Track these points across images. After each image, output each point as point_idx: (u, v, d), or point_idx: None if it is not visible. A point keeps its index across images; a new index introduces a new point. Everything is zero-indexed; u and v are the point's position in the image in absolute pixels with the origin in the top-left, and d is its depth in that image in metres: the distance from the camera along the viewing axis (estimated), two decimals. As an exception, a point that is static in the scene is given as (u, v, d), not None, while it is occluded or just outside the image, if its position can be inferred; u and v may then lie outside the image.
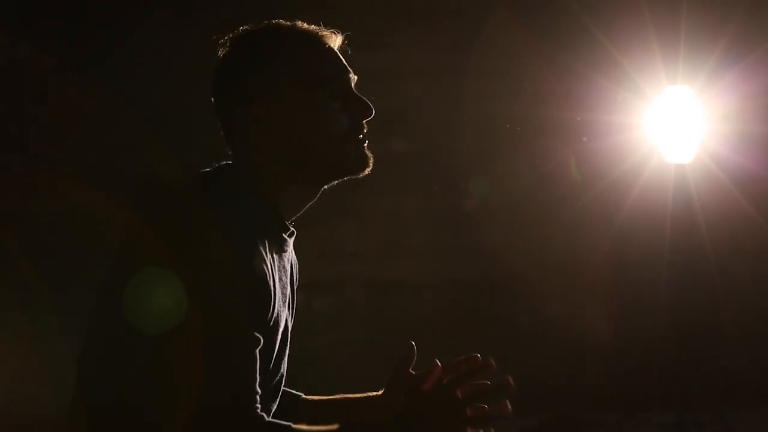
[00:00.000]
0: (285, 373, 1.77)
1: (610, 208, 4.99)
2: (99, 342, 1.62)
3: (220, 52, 1.74)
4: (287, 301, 1.73)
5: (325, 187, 1.74)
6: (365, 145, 1.72)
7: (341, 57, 1.75)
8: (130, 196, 4.34)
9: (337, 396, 1.91)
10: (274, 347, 1.67)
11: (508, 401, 1.69)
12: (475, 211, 5.05)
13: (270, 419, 1.57)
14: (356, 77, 1.75)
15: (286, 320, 1.72)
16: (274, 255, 1.67)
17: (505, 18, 4.89)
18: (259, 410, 1.55)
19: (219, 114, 1.74)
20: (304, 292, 1.92)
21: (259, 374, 1.58)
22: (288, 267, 1.74)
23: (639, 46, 4.88)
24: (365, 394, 1.89)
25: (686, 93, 4.81)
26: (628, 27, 4.89)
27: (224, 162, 1.73)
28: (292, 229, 1.73)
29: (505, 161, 5.04)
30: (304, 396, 1.92)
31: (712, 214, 4.96)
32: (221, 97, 1.73)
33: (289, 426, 1.58)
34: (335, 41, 1.75)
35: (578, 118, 4.95)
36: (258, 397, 1.56)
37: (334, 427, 1.60)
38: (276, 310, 1.63)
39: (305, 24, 1.75)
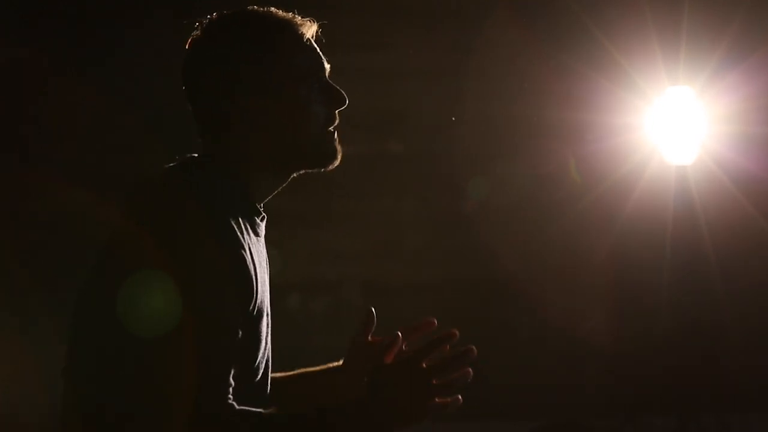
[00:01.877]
0: (270, 359, 1.76)
1: (611, 211, 4.98)
2: (87, 349, 1.61)
3: (194, 37, 1.73)
4: (267, 285, 1.74)
5: (295, 175, 1.76)
6: (335, 138, 1.75)
7: (317, 48, 1.76)
8: (117, 197, 4.35)
9: (299, 371, 1.90)
10: (262, 333, 1.68)
11: (470, 369, 1.70)
12: (474, 213, 5.05)
13: (240, 407, 1.57)
14: (329, 66, 1.76)
15: (268, 305, 1.72)
16: (251, 238, 1.68)
17: (504, 18, 4.89)
18: (230, 400, 1.56)
19: (193, 102, 1.74)
20: (301, 293, 1.93)
21: (249, 365, 1.60)
22: (263, 251, 1.76)
23: (639, 46, 4.87)
24: (326, 366, 1.89)
25: (687, 93, 4.80)
26: (628, 26, 4.88)
27: (188, 155, 1.73)
28: (263, 213, 1.75)
29: (505, 162, 5.03)
30: None
31: (714, 217, 4.94)
32: (198, 85, 1.72)
33: (260, 413, 1.59)
34: (311, 30, 1.75)
35: (578, 119, 4.93)
36: (230, 388, 1.56)
37: (305, 412, 1.61)
38: (260, 295, 1.64)
39: (281, 12, 1.75)
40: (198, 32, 1.74)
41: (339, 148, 1.74)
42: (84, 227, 4.58)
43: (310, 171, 1.75)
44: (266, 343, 1.71)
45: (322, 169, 1.75)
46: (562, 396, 5.03)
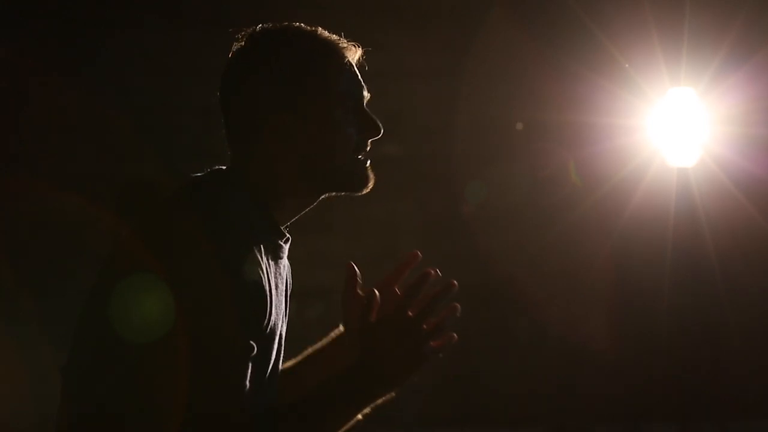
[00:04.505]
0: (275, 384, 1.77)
1: (611, 214, 4.98)
2: (84, 351, 1.61)
3: (236, 48, 1.74)
4: (283, 308, 1.74)
5: (323, 197, 1.77)
6: (368, 163, 1.76)
7: (359, 73, 1.78)
8: (117, 201, 4.37)
9: (306, 353, 1.90)
10: (271, 356, 1.68)
11: (456, 303, 1.73)
12: (472, 217, 5.04)
13: (251, 418, 1.58)
14: (369, 95, 1.78)
15: (281, 328, 1.73)
16: (270, 261, 1.68)
17: (502, 18, 4.90)
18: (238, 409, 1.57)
19: (230, 114, 1.74)
20: (295, 300, 1.92)
21: (254, 384, 1.60)
22: (284, 274, 1.76)
23: (641, 47, 4.87)
24: (330, 336, 1.89)
25: (689, 95, 4.79)
26: (629, 26, 4.88)
27: (218, 167, 1.74)
28: (287, 235, 1.75)
29: (503, 165, 5.04)
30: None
31: (716, 220, 4.94)
32: (236, 97, 1.72)
33: (274, 412, 1.63)
34: (355, 55, 1.77)
35: (578, 121, 4.95)
36: (244, 406, 1.57)
37: (305, 400, 1.64)
38: (273, 318, 1.65)
39: (326, 32, 1.76)
40: (242, 43, 1.74)
41: (371, 175, 1.76)
42: (72, 230, 4.58)
43: (338, 195, 1.77)
44: (273, 369, 1.71)
45: (351, 194, 1.76)
46: (561, 402, 5.03)
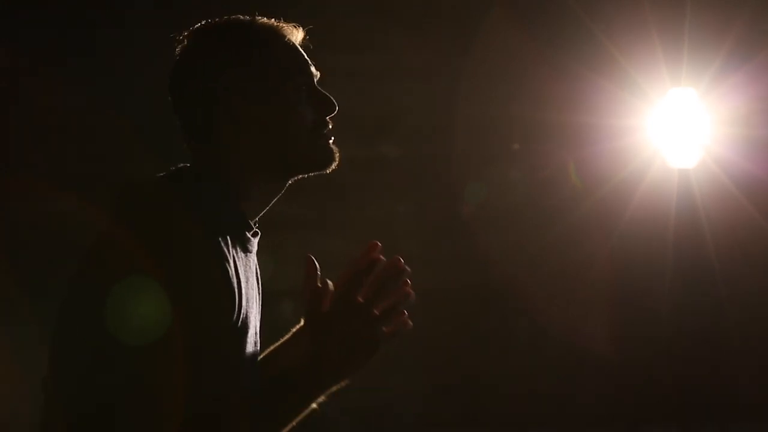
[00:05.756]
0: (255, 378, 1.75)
1: (611, 215, 4.98)
2: (71, 357, 1.59)
3: (180, 48, 1.75)
4: (255, 302, 1.73)
5: (290, 182, 1.76)
6: (331, 140, 1.74)
7: (303, 52, 1.77)
8: (102, 201, 4.37)
9: (270, 349, 1.87)
10: (244, 349, 1.67)
11: (408, 283, 1.70)
12: (471, 218, 5.04)
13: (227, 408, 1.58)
14: (318, 73, 1.77)
15: (255, 321, 1.72)
16: (239, 254, 1.68)
17: (501, 17, 4.90)
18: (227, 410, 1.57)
19: (181, 112, 1.74)
20: (293, 300, 1.90)
21: (228, 377, 1.60)
22: (253, 267, 1.75)
23: (641, 46, 4.87)
24: (290, 332, 1.86)
25: (690, 95, 4.82)
26: (629, 26, 4.88)
27: (182, 164, 1.74)
28: (256, 229, 1.74)
29: (502, 166, 5.04)
30: None
31: (718, 222, 4.94)
32: (185, 94, 1.73)
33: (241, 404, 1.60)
34: (297, 36, 1.77)
35: (578, 122, 4.94)
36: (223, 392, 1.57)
37: (263, 390, 1.65)
38: (243, 311, 1.64)
39: (265, 18, 1.77)
40: (183, 41, 1.76)
41: (335, 150, 1.74)
42: (71, 231, 4.58)
43: (304, 175, 1.76)
44: (250, 361, 1.70)
45: (317, 173, 1.75)
46: (560, 405, 5.04)
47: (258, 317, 1.75)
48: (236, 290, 1.60)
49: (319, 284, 1.76)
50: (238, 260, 1.66)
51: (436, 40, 5.05)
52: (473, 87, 4.96)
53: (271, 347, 1.88)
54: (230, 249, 1.63)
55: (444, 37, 5.05)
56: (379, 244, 1.76)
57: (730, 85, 4.83)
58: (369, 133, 5.04)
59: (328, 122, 1.74)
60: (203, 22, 1.77)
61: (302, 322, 1.83)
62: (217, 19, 1.77)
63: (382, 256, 1.69)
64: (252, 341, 1.69)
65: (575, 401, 5.05)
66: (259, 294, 1.77)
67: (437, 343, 4.79)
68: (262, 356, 1.85)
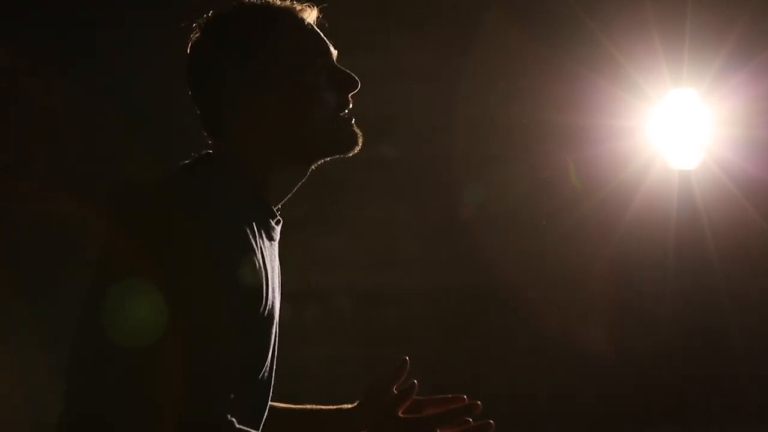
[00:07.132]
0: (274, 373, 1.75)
1: (611, 217, 4.96)
2: (81, 354, 1.60)
3: (195, 37, 1.73)
4: (278, 291, 1.72)
5: (313, 167, 1.74)
6: (353, 122, 1.73)
7: (320, 31, 1.75)
8: (107, 200, 4.38)
9: (306, 406, 1.88)
10: (271, 339, 1.67)
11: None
12: (470, 219, 5.02)
13: (239, 426, 1.55)
14: (336, 51, 1.75)
15: (278, 314, 1.71)
16: (264, 242, 1.67)
17: (501, 18, 4.89)
18: (229, 417, 1.54)
19: (200, 101, 1.73)
20: (291, 302, 1.88)
21: (256, 371, 1.60)
22: (276, 256, 1.74)
23: (641, 46, 4.85)
24: (336, 407, 1.88)
25: (691, 96, 4.80)
26: (630, 26, 4.87)
27: (204, 152, 1.72)
28: (279, 217, 1.73)
29: (502, 167, 5.02)
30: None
31: (718, 223, 4.92)
32: (204, 83, 1.71)
33: None
34: (311, 15, 1.75)
35: (578, 122, 4.94)
36: (229, 404, 1.55)
37: None
38: (270, 300, 1.63)
39: (277, 1, 1.74)
40: (196, 33, 1.73)
41: (358, 132, 1.72)
42: (70, 232, 4.59)
43: (327, 159, 1.73)
44: (273, 353, 1.70)
45: (341, 155, 1.73)
46: (561, 407, 5.02)
47: (279, 306, 1.74)
48: (263, 280, 1.60)
49: (393, 388, 1.80)
50: (264, 249, 1.65)
51: (437, 40, 5.05)
52: (473, 87, 4.96)
53: (301, 406, 1.89)
54: (257, 239, 1.62)
55: (444, 38, 5.04)
56: (466, 398, 1.82)
57: (731, 86, 4.82)
58: (369, 134, 5.05)
59: (349, 101, 1.72)
60: (217, 10, 1.75)
61: (359, 403, 1.85)
62: (230, 6, 1.75)
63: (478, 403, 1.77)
64: (275, 333, 1.69)
65: (575, 403, 5.04)
66: (281, 284, 1.76)
67: (434, 346, 4.79)
68: (291, 407, 1.89)
